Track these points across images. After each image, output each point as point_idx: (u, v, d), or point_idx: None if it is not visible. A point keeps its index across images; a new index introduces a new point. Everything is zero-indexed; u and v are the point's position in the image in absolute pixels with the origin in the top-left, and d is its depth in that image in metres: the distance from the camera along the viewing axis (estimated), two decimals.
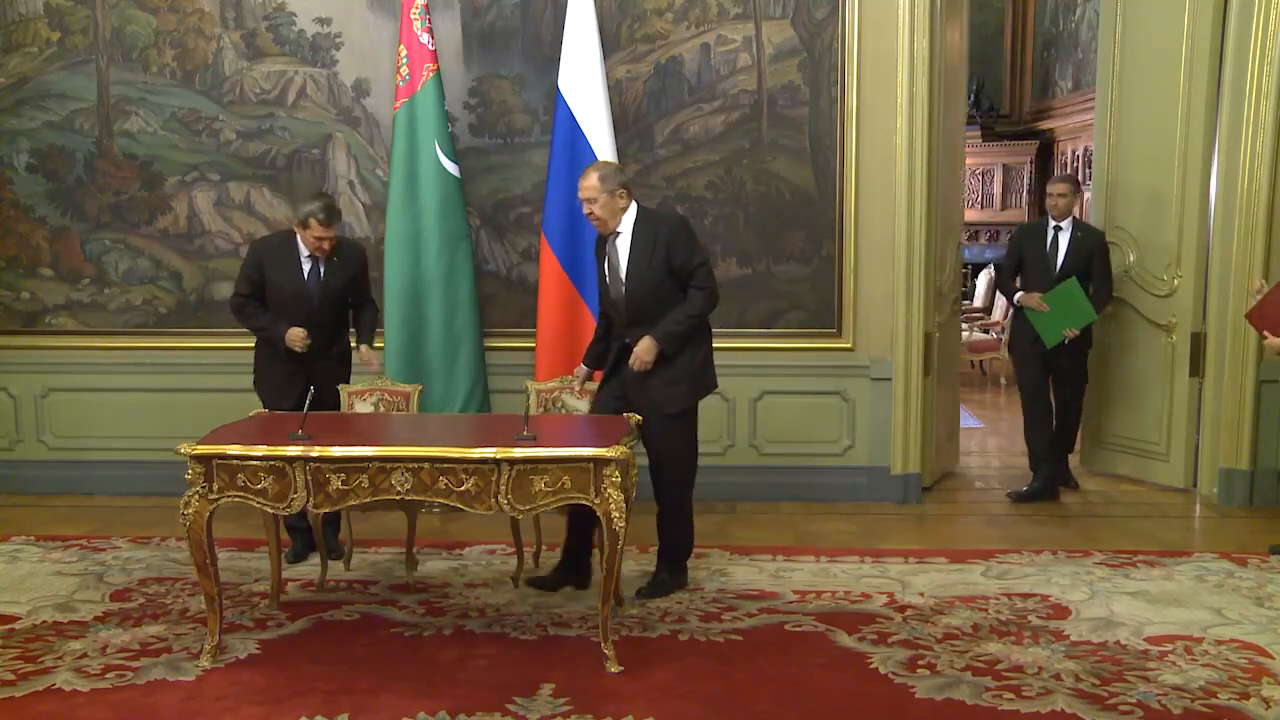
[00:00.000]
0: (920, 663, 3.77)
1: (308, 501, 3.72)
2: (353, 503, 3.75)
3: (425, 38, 5.44)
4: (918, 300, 5.73)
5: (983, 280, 10.59)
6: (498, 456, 3.62)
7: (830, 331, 5.81)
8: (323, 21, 5.84)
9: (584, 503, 3.70)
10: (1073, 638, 3.98)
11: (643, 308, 4.32)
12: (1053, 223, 5.89)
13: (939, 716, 3.42)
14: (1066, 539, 5.24)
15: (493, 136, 5.85)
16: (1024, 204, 11.62)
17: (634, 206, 4.38)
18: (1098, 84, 6.46)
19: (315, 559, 4.72)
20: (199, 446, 3.72)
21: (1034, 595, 4.42)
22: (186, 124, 5.96)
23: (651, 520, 4.48)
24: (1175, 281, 5.96)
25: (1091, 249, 5.83)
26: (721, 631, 4.07)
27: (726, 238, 5.81)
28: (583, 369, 4.60)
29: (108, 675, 3.72)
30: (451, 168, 5.52)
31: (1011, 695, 3.52)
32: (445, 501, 3.70)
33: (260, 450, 3.71)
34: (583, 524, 4.38)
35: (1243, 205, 5.60)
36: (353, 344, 4.93)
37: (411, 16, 5.44)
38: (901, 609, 4.28)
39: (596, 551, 4.39)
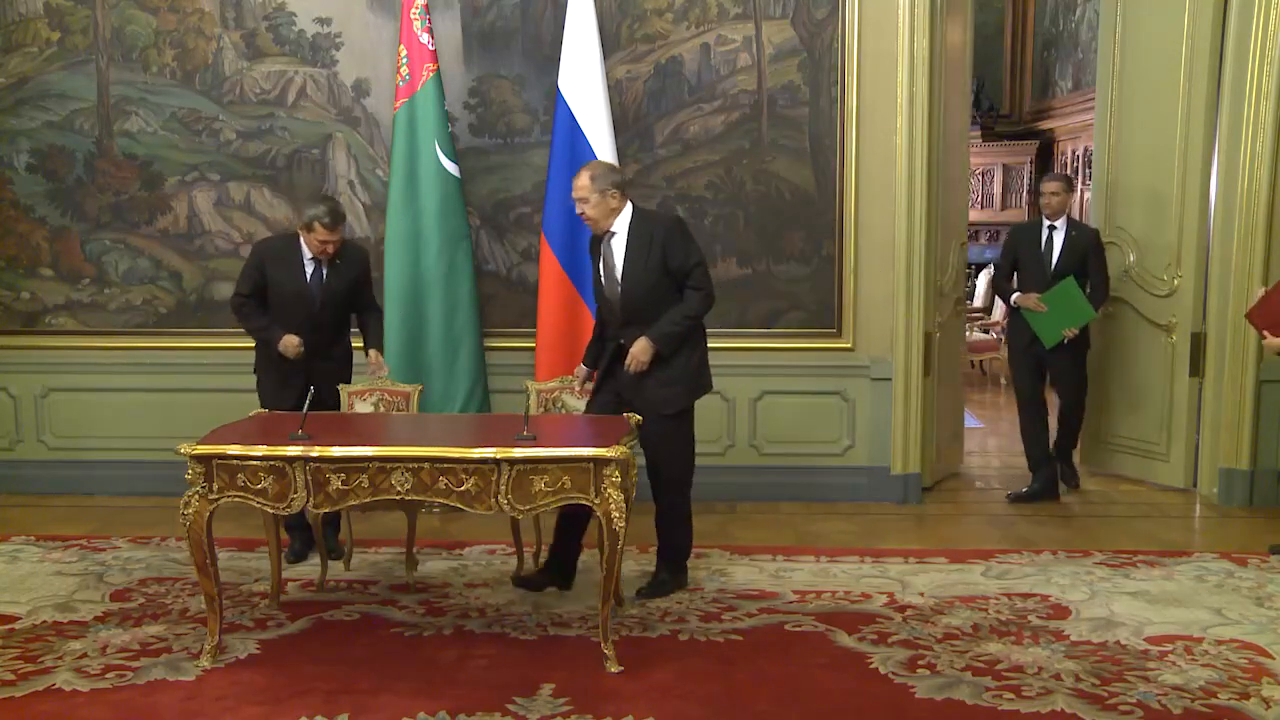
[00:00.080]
0: (920, 663, 3.77)
1: (308, 501, 3.72)
2: (353, 503, 3.75)
3: (425, 38, 5.45)
4: (918, 300, 5.73)
5: (983, 280, 10.59)
6: (498, 456, 3.62)
7: (830, 331, 5.81)
8: (323, 21, 5.84)
9: (583, 503, 3.70)
10: (1073, 638, 3.98)
11: (638, 308, 4.32)
12: (1046, 222, 5.88)
13: (939, 716, 3.42)
14: (1066, 539, 5.24)
15: (493, 136, 5.85)
16: (1024, 204, 11.62)
17: (629, 207, 4.38)
18: (1098, 84, 6.46)
19: (315, 559, 4.72)
20: (199, 446, 3.72)
21: (1034, 595, 4.42)
22: (186, 124, 5.96)
23: (651, 520, 4.48)
24: (1175, 281, 5.96)
25: (1086, 247, 5.82)
26: (721, 631, 4.07)
27: (726, 238, 5.81)
28: (582, 369, 4.60)
29: (108, 675, 3.72)
30: (451, 168, 5.52)
31: (1011, 695, 3.52)
32: (445, 501, 3.69)
33: (260, 450, 3.71)
34: (571, 525, 4.38)
35: (1243, 205, 5.60)
36: (355, 345, 4.93)
37: (411, 16, 5.44)
38: (901, 609, 4.28)
39: (585, 553, 4.39)
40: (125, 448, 6.07)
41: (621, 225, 4.35)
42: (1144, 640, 3.95)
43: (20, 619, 4.24)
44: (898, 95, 5.59)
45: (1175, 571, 4.69)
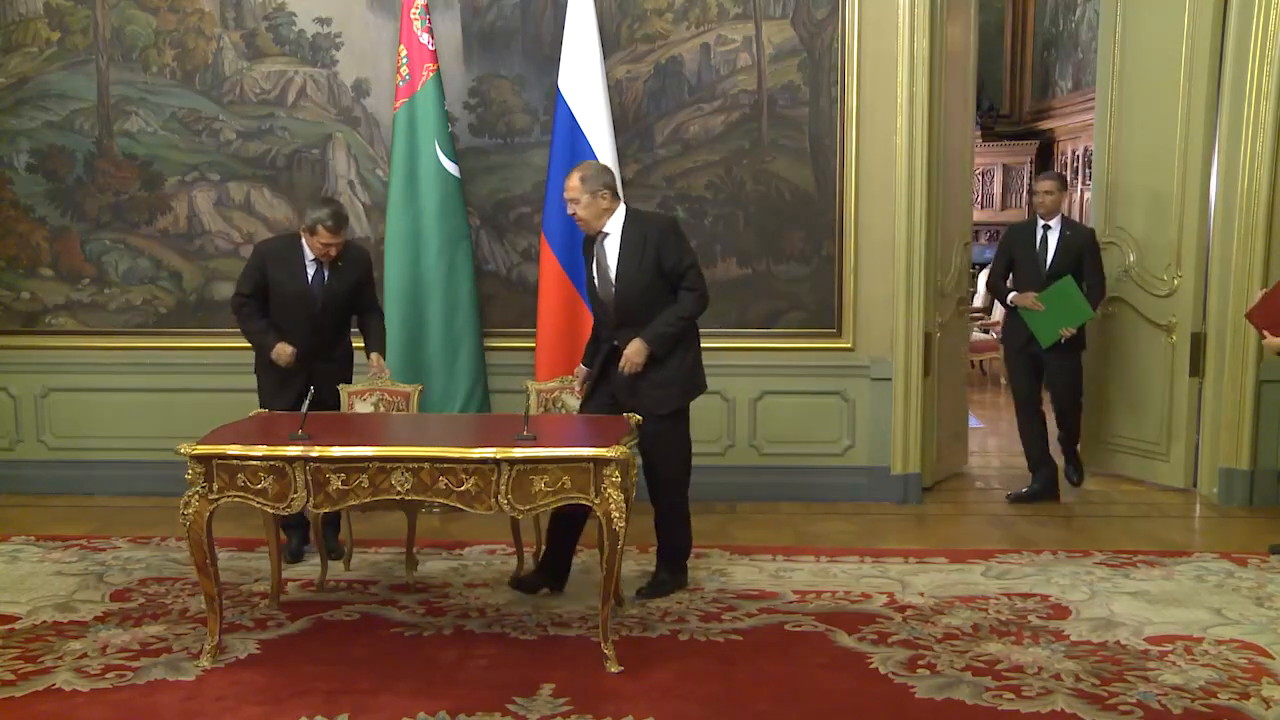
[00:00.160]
0: (920, 663, 3.77)
1: (308, 501, 3.72)
2: (353, 503, 3.75)
3: (425, 38, 5.45)
4: (918, 300, 5.73)
5: (983, 280, 10.58)
6: (498, 456, 3.62)
7: (830, 331, 5.81)
8: (323, 21, 5.84)
9: (583, 503, 3.70)
10: (1073, 638, 3.98)
11: (632, 309, 4.31)
12: (1041, 221, 5.87)
13: (939, 716, 3.42)
14: (1066, 539, 5.24)
15: (493, 136, 5.85)
16: (1024, 204, 11.61)
17: (622, 208, 4.37)
18: (1098, 84, 6.47)
19: (315, 559, 4.72)
20: (199, 446, 3.72)
21: (1034, 595, 4.42)
22: (186, 124, 5.96)
23: (651, 520, 4.48)
24: (1175, 281, 5.96)
25: (1081, 247, 5.80)
26: (721, 631, 4.07)
27: (726, 238, 5.81)
28: (582, 369, 4.59)
29: (108, 675, 3.71)
30: (451, 168, 5.52)
31: (1011, 695, 3.52)
32: (445, 501, 3.69)
33: (260, 450, 3.71)
34: (565, 526, 4.38)
35: (1243, 205, 5.60)
36: (356, 345, 4.93)
37: (411, 16, 5.44)
38: (901, 609, 4.28)
39: (585, 553, 4.38)
40: (125, 448, 6.07)
41: (615, 226, 4.34)
42: (1144, 640, 3.95)
43: (20, 619, 4.24)
44: (898, 95, 5.59)
45: (1175, 571, 4.69)
